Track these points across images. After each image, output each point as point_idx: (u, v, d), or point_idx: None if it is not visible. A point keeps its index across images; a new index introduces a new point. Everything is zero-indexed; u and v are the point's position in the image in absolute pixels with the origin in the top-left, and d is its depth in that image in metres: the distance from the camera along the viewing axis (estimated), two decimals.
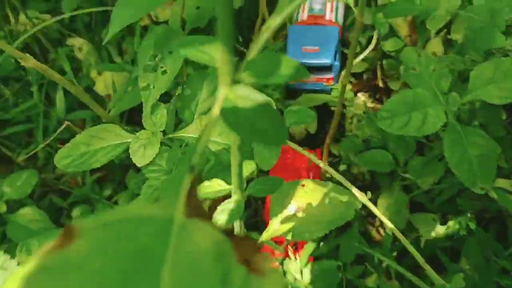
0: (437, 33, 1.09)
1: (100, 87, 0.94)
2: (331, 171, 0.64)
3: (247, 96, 0.20)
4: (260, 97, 0.20)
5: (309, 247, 0.78)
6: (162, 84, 0.52)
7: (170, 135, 0.59)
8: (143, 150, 0.52)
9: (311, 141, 1.08)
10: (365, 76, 1.15)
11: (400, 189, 0.79)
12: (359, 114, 0.99)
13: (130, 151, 0.53)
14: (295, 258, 0.81)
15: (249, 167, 0.61)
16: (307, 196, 0.64)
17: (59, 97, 0.91)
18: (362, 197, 0.63)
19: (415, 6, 0.72)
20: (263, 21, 1.03)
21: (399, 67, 1.11)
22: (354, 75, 1.14)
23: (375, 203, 0.82)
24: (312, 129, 1.05)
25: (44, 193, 0.97)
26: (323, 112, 1.07)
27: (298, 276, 0.78)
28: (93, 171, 1.02)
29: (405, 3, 0.73)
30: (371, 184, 0.98)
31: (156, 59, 0.54)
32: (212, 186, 0.33)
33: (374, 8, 1.08)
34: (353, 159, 0.82)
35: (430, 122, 0.57)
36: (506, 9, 0.78)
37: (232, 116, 0.20)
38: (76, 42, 1.04)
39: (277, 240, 0.86)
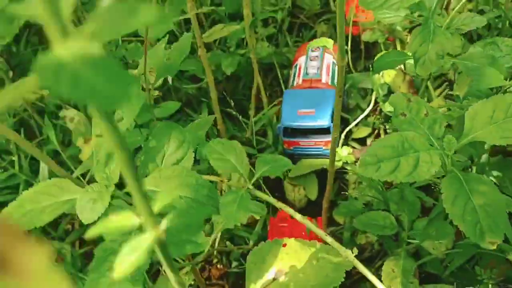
0: (439, 94, 1.05)
1: (86, 156, 0.91)
2: (330, 240, 0.56)
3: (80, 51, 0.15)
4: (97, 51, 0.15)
5: None
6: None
7: (125, 190, 0.53)
8: (92, 205, 0.47)
9: (313, 209, 1.00)
10: (368, 141, 1.09)
11: (406, 255, 0.70)
12: (360, 176, 0.92)
13: (76, 207, 0.48)
14: None
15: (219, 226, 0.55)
16: (290, 257, 0.56)
17: (43, 164, 0.88)
18: (351, 257, 0.55)
19: (404, 55, 0.68)
20: (258, 89, 1.01)
21: None
22: (357, 140, 1.09)
23: (379, 271, 0.72)
24: (312, 196, 0.98)
25: None
26: (324, 178, 1.00)
27: None
28: (82, 244, 0.96)
29: (394, 54, 0.70)
30: (379, 254, 0.88)
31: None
32: (118, 221, 0.26)
33: (371, 70, 1.05)
34: (353, 224, 0.74)
35: (422, 167, 0.50)
36: (507, 57, 0.73)
37: (55, 74, 0.14)
38: (69, 113, 1.03)
39: None
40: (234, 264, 0.95)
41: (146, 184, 0.50)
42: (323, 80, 1.01)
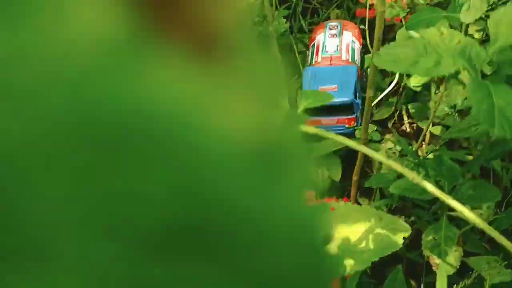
0: None
1: None
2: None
3: None
4: None
5: None
6: None
7: None
8: None
9: (336, 191, 0.96)
10: (389, 123, 1.05)
11: (448, 223, 0.65)
12: (388, 151, 0.87)
13: None
14: None
15: None
16: (337, 223, 0.51)
17: None
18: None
19: (439, 12, 0.64)
20: None
21: (427, 109, 1.02)
22: (378, 122, 1.05)
23: (418, 243, 0.67)
24: (336, 177, 0.94)
25: None
26: (347, 158, 0.96)
27: None
28: None
29: (428, 11, 0.66)
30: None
31: None
32: None
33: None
34: (386, 193, 0.69)
35: (444, 65, 0.46)
36: None
37: None
38: None
39: None
40: None
41: None
42: (343, 58, 0.97)
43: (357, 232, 0.50)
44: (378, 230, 0.50)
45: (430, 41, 0.47)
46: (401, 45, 0.47)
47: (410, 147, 0.87)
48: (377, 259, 0.48)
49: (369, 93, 0.63)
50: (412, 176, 0.43)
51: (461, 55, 0.49)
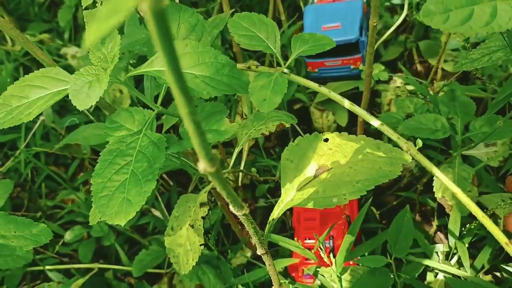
0: None
1: None
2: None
3: None
4: None
5: (346, 244, 0.59)
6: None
7: (131, 73, 0.44)
8: (87, 90, 0.38)
9: None
10: (399, 63, 0.99)
11: (462, 162, 0.60)
12: (398, 89, 0.82)
13: (69, 93, 0.39)
14: (330, 264, 0.62)
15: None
16: (332, 153, 0.47)
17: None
18: (414, 150, 0.46)
19: None
20: (274, 9, 0.91)
21: (438, 46, 0.95)
22: (387, 63, 0.99)
23: (430, 184, 0.63)
24: (342, 121, 0.89)
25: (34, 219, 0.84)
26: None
27: (336, 286, 0.59)
28: None
29: None
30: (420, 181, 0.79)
31: None
32: None
33: None
34: (399, 130, 0.64)
35: (502, 16, 0.41)
36: None
37: None
38: (69, 50, 0.94)
39: (307, 247, 0.68)
40: (261, 200, 0.87)
41: (154, 66, 0.41)
42: None
43: (352, 162, 0.46)
44: (375, 158, 0.46)
45: None
46: None
47: (420, 84, 0.81)
48: (372, 187, 0.44)
49: (372, 20, 0.57)
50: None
51: None
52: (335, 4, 0.88)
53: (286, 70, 0.46)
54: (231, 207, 0.40)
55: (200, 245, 0.45)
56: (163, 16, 0.19)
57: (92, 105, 0.44)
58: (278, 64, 0.49)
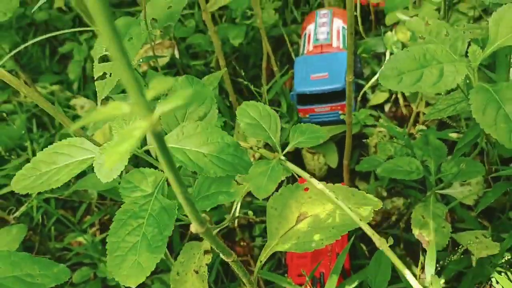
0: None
1: (99, 138, 0.89)
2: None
3: None
4: None
5: (332, 280, 0.64)
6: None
7: (146, 147, 0.51)
8: (109, 167, 0.44)
9: (334, 178, 0.96)
10: (386, 108, 1.06)
11: (436, 200, 0.66)
12: (380, 133, 0.88)
13: (94, 166, 0.45)
14: None
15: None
16: (312, 201, 0.53)
17: None
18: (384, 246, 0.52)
19: None
20: (268, 60, 0.99)
21: (421, 93, 1.02)
22: (375, 107, 1.05)
23: (408, 222, 0.68)
24: (333, 163, 0.95)
25: None
26: (343, 144, 0.97)
27: None
28: (104, 230, 0.94)
29: None
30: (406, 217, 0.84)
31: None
32: (107, 110, 0.24)
33: (382, 28, 1.01)
34: (378, 172, 0.70)
35: (448, 76, 0.47)
36: None
37: None
38: (79, 101, 1.02)
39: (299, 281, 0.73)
40: (258, 238, 0.92)
41: (168, 142, 0.47)
42: (334, 45, 0.98)
43: (329, 209, 0.52)
44: (347, 206, 0.52)
45: (429, 49, 0.48)
46: (401, 58, 0.48)
47: (402, 129, 0.88)
48: (346, 232, 0.49)
49: (348, 77, 0.64)
50: None
51: (460, 59, 0.49)
52: (323, 55, 0.95)
53: (283, 158, 0.52)
54: (221, 255, 0.46)
55: None
56: (161, 137, 0.25)
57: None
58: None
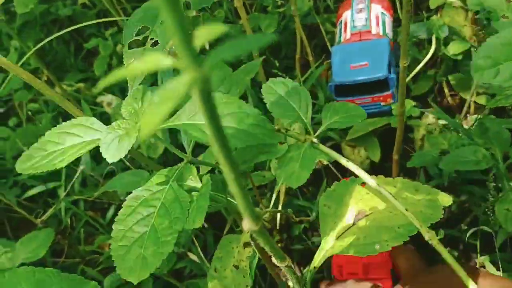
0: None
1: None
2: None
3: None
4: None
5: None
6: (128, 72, 0.40)
7: (161, 126, 0.45)
8: (117, 144, 0.39)
9: (375, 172, 0.89)
10: (429, 98, 0.98)
11: None
12: (430, 125, 0.81)
13: (100, 146, 0.40)
14: None
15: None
16: (370, 198, 0.47)
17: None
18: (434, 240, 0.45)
19: None
20: (302, 49, 0.93)
21: (469, 79, 0.94)
22: (417, 98, 0.98)
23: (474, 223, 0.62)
24: (375, 157, 0.88)
25: (74, 265, 0.85)
26: (386, 138, 0.90)
27: None
28: None
29: None
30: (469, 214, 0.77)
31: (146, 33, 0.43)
32: (145, 63, 0.19)
33: (424, 13, 0.95)
34: (441, 165, 0.63)
35: None
36: None
37: None
38: (105, 98, 0.98)
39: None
40: (297, 240, 0.86)
41: (179, 119, 0.42)
42: (373, 31, 0.91)
43: (391, 206, 0.46)
44: (414, 202, 0.46)
45: None
46: (495, 44, 0.41)
47: (453, 119, 0.81)
48: (415, 232, 0.43)
49: (403, 61, 0.58)
50: None
51: None
52: (362, 43, 0.89)
53: (315, 140, 0.46)
54: (273, 259, 0.41)
55: (246, 286, 0.45)
56: (211, 97, 0.20)
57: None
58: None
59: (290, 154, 0.46)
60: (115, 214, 0.93)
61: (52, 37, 0.91)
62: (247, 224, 0.32)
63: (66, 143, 0.43)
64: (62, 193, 0.80)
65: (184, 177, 0.43)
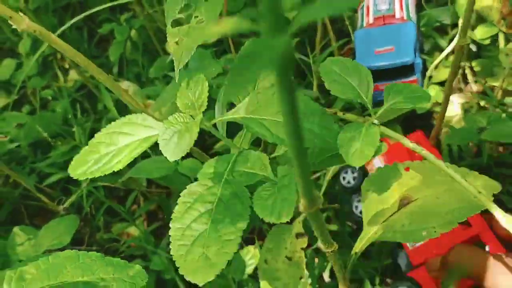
0: None
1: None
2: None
3: None
4: None
5: None
6: (199, 36, 0.38)
7: (217, 119, 0.44)
8: (177, 140, 0.37)
9: None
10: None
11: None
12: (464, 104, 0.79)
13: (159, 143, 0.39)
14: None
15: None
16: (414, 184, 0.45)
17: None
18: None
19: None
20: (323, 29, 0.91)
21: (494, 66, 0.93)
22: (439, 84, 0.96)
23: None
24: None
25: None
26: (408, 124, 0.89)
27: None
28: (151, 220, 0.89)
29: None
30: None
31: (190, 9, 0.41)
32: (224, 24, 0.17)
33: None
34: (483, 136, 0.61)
35: None
36: None
37: None
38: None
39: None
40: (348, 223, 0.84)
41: (239, 112, 0.40)
42: (397, 15, 0.89)
43: (438, 192, 0.44)
44: (462, 188, 0.44)
45: None
46: None
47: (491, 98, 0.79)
48: (464, 219, 0.42)
49: (460, 41, 0.55)
50: None
51: None
52: (386, 27, 0.87)
53: (376, 121, 0.44)
54: (319, 243, 0.39)
55: (300, 278, 0.44)
56: (290, 72, 0.18)
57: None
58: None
59: (349, 134, 0.42)
60: (134, 201, 0.92)
61: (69, 23, 0.89)
62: (303, 205, 0.31)
63: (118, 143, 0.42)
64: (84, 181, 0.78)
65: (235, 168, 0.40)
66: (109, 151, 0.44)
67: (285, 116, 0.22)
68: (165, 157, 0.66)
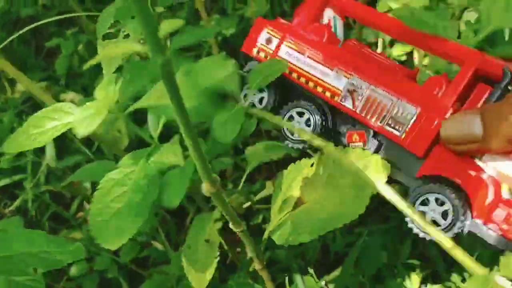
0: None
1: None
2: None
3: None
4: None
5: None
6: (120, 49, 0.45)
7: (130, 109, 0.50)
8: (89, 121, 0.44)
9: None
10: None
11: None
12: None
13: (73, 122, 0.45)
14: None
15: None
16: (309, 184, 0.51)
17: (49, 145, 0.85)
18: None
19: None
20: None
21: None
22: None
23: None
24: None
25: None
26: None
27: None
28: None
29: None
30: None
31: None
32: (117, 49, 0.24)
33: None
34: None
35: None
36: None
37: None
38: (68, 96, 1.01)
39: None
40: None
41: (150, 99, 0.47)
42: None
43: (321, 196, 0.50)
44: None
45: None
46: None
47: None
48: (337, 226, 0.47)
49: None
50: None
51: None
52: None
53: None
54: (230, 225, 0.46)
55: (215, 258, 0.50)
56: (173, 77, 0.25)
57: (94, 144, 0.48)
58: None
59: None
60: (79, 207, 0.96)
61: (16, 34, 0.93)
62: (205, 187, 0.38)
63: (46, 126, 0.48)
64: (28, 185, 0.82)
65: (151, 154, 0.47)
66: (37, 131, 0.50)
67: (176, 115, 0.29)
68: (107, 161, 0.72)
